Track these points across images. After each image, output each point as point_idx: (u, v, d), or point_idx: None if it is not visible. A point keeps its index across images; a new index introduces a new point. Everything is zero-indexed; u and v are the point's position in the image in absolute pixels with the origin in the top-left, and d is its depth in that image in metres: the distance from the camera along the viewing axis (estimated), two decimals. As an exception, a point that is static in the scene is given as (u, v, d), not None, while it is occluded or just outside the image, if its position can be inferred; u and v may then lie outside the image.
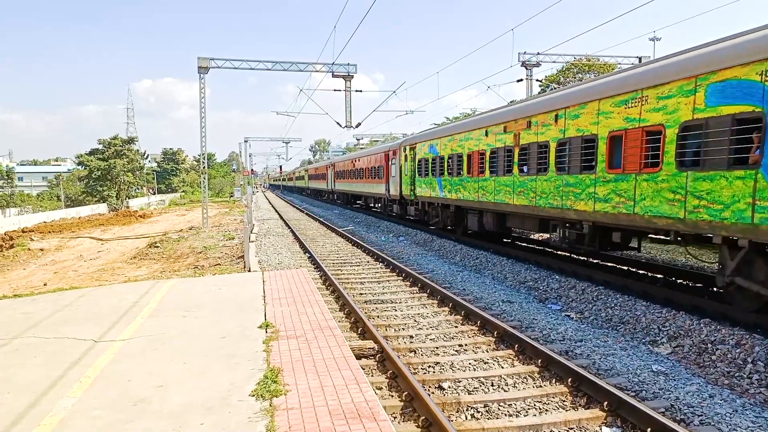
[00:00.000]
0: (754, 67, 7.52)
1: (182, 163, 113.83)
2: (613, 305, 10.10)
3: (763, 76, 7.39)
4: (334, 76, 28.64)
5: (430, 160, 20.88)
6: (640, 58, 30.75)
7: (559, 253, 16.49)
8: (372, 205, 34.47)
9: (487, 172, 15.97)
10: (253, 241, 20.16)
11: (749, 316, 8.42)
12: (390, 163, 27.58)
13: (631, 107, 9.96)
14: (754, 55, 7.53)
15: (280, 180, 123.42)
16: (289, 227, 26.87)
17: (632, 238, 11.61)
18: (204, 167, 29.73)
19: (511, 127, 14.64)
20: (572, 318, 9.88)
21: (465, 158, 17.51)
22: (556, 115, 12.44)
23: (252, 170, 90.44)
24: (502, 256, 16.26)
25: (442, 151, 19.66)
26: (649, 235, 13.08)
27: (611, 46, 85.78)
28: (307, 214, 37.26)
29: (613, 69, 44.95)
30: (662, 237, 12.10)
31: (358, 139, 65.50)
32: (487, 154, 15.96)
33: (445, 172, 19.32)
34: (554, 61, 33.96)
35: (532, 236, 20.10)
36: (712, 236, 8.54)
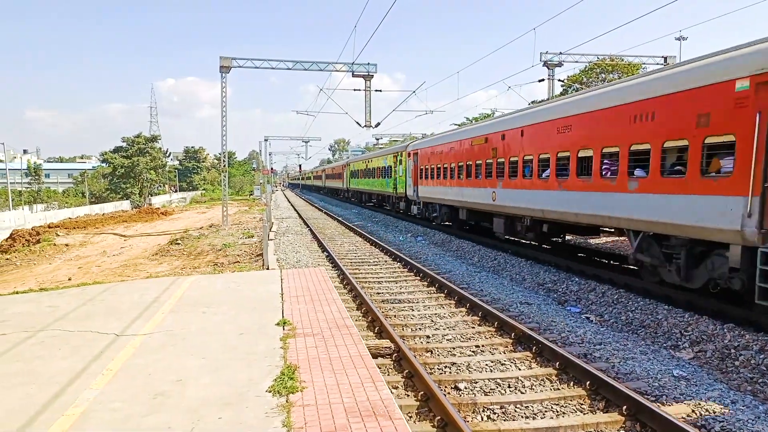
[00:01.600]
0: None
1: (203, 162, 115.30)
2: (633, 308, 9.97)
3: None
4: (354, 75, 28.73)
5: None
6: (665, 58, 30.27)
7: (579, 255, 16.35)
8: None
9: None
10: (271, 240, 20.33)
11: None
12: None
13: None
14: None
15: (299, 179, 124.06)
16: (308, 226, 27.02)
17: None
18: (224, 166, 30.05)
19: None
20: (592, 321, 9.77)
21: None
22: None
23: (272, 169, 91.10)
24: (521, 257, 16.17)
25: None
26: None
27: (636, 45, 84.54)
28: (325, 213, 37.44)
29: (638, 69, 44.27)
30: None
31: (377, 139, 65.59)
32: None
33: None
34: (576, 61, 33.65)
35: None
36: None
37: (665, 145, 9.50)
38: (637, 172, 10.25)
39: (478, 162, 18.08)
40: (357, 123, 29.97)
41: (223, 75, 28.01)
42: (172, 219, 42.15)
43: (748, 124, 7.73)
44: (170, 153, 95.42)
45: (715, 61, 8.63)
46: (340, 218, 31.21)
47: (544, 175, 13.63)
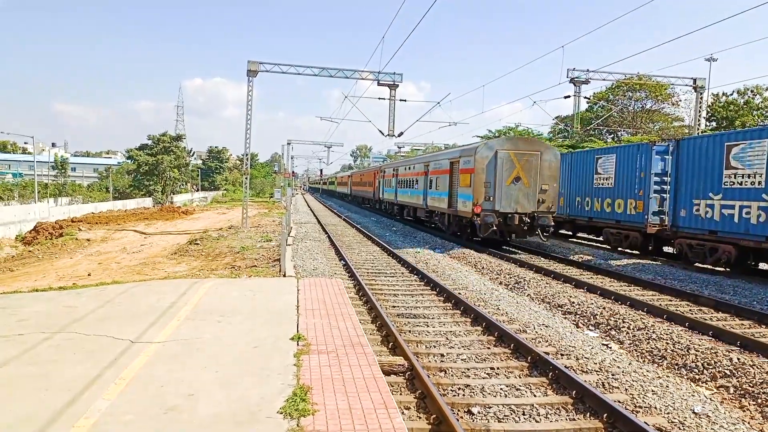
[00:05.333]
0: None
1: (226, 162, 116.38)
2: (656, 336, 9.72)
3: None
4: (379, 84, 28.76)
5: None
6: (694, 80, 29.77)
7: (600, 276, 16.11)
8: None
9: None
10: (289, 245, 20.34)
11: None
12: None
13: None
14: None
15: (319, 183, 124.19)
16: (326, 232, 27.03)
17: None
18: (246, 168, 30.23)
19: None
20: (611, 347, 9.55)
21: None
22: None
23: (293, 172, 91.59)
24: (541, 273, 15.96)
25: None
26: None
27: (665, 67, 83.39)
28: (344, 219, 37.45)
29: (665, 89, 43.50)
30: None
31: (399, 147, 65.56)
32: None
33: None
34: (604, 79, 33.33)
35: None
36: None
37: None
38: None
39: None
40: (380, 132, 30.01)
41: (250, 79, 28.24)
42: (192, 218, 42.55)
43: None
44: (194, 152, 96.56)
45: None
46: (358, 226, 31.18)
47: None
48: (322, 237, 25.31)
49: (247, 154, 29.83)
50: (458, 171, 22.85)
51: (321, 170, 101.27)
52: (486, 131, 62.49)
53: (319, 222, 34.36)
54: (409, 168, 31.58)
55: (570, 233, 26.58)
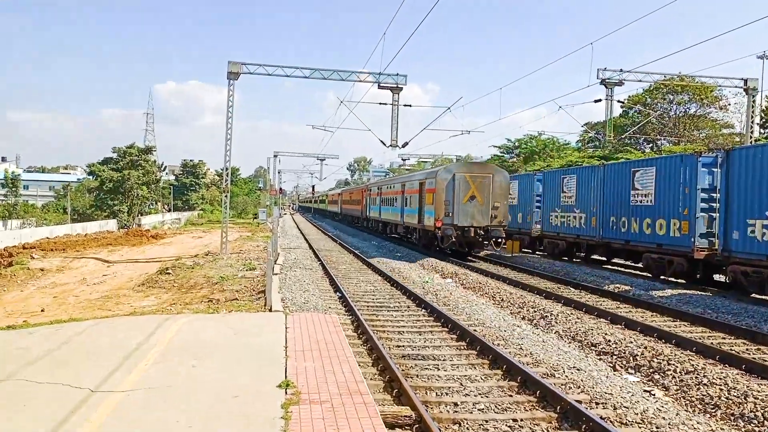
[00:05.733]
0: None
1: (203, 178, 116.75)
2: (707, 381, 9.62)
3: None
4: (380, 87, 29.01)
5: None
6: (745, 81, 29.95)
7: (640, 310, 16.04)
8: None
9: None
10: (276, 274, 20.31)
11: None
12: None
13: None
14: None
15: (311, 201, 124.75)
16: (319, 259, 27.03)
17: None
18: (226, 184, 30.32)
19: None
20: (654, 394, 9.45)
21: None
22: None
23: (280, 189, 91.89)
24: (569, 306, 15.90)
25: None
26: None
27: (711, 66, 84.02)
28: (340, 244, 37.49)
29: (712, 91, 43.72)
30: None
31: (403, 160, 65.76)
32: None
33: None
34: (640, 80, 33.57)
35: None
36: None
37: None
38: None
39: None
40: (381, 142, 30.20)
41: (231, 81, 28.51)
42: (163, 243, 42.62)
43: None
44: (165, 167, 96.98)
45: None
46: (356, 251, 31.20)
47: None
48: (315, 265, 25.30)
49: (227, 168, 29.96)
50: (425, 191, 29.27)
51: (313, 186, 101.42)
52: (504, 140, 62.82)
53: (310, 246, 34.39)
54: (391, 187, 38.74)
55: (604, 258, 26.52)
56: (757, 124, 36.38)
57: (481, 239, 27.21)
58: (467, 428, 7.77)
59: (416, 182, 31.17)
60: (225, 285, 19.47)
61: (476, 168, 28.29)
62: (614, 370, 10.81)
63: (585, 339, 12.75)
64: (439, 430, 7.31)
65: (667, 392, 9.63)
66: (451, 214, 26.92)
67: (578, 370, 10.54)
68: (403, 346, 11.91)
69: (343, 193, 72.19)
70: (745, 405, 8.62)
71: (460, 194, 26.92)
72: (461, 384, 9.51)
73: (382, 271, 22.92)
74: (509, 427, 7.87)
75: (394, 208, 37.30)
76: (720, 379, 9.58)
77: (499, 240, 27.05)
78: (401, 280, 20.31)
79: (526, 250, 32.04)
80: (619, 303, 17.03)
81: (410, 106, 33.23)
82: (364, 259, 27.32)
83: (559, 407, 8.36)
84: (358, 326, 13.14)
